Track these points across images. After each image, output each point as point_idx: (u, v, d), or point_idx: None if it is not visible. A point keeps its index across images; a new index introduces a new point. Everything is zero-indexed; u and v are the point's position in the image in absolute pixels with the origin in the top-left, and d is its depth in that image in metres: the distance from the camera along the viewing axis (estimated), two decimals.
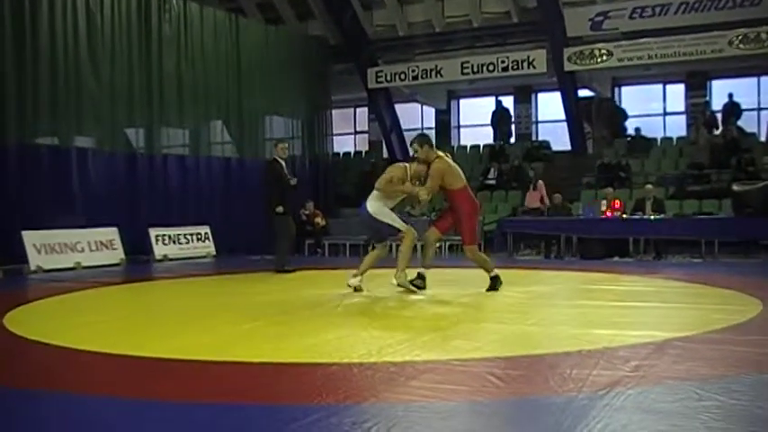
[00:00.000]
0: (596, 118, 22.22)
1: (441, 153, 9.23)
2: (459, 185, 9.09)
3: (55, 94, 14.61)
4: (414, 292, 9.10)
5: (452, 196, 9.20)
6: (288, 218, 12.50)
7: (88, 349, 5.84)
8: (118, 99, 15.85)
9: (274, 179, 12.31)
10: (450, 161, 9.24)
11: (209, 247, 16.97)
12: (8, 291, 10.98)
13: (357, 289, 9.22)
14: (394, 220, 9.33)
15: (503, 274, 9.34)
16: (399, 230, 9.31)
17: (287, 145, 12.94)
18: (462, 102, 25.01)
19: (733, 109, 20.01)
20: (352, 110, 25.95)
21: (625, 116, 21.41)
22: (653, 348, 5.51)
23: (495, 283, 9.11)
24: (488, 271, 9.18)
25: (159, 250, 15.97)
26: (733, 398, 4.20)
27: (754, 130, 20.29)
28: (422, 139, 9.25)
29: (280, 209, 12.21)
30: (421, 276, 9.39)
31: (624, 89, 22.55)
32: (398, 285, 9.16)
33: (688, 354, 5.37)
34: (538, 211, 17.21)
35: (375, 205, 9.27)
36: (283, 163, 12.42)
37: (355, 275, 9.32)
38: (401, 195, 9.32)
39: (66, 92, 14.79)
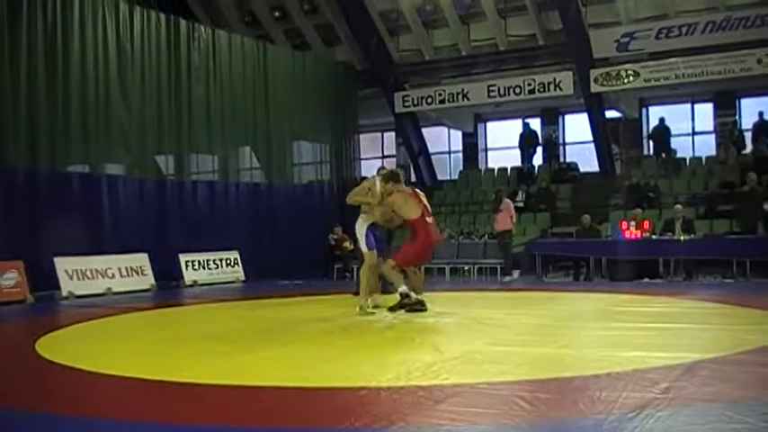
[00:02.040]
0: (624, 138, 22.15)
1: (403, 188, 9.78)
2: (415, 216, 9.50)
3: (86, 122, 14.85)
4: (372, 314, 9.43)
5: (409, 225, 9.65)
6: None
7: (119, 374, 5.89)
8: (147, 126, 16.08)
9: None
10: (410, 194, 9.72)
11: (238, 272, 17.06)
12: (40, 316, 11.12)
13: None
14: (361, 238, 9.95)
15: (532, 296, 9.29)
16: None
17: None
18: (489, 124, 24.98)
19: (763, 127, 19.80)
20: (380, 134, 25.99)
21: (669, 135, 21.23)
22: (683, 370, 5.46)
23: (400, 303, 9.30)
24: (396, 290, 9.45)
25: (189, 276, 16.09)
26: (765, 420, 4.14)
27: None
28: (387, 175, 9.90)
29: None
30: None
31: (652, 109, 22.42)
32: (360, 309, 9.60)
33: (718, 375, 5.32)
34: (509, 233, 16.46)
35: (357, 223, 10.02)
36: None
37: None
38: (373, 212, 9.79)
39: (96, 120, 15.04)
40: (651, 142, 21.80)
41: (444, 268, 16.77)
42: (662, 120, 21.18)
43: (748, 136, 20.24)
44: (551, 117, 23.48)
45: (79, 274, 14.03)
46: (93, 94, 14.96)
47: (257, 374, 5.83)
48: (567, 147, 23.51)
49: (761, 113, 19.94)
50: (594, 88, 20.07)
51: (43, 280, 13.45)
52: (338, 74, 21.99)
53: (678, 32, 19.30)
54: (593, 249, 15.86)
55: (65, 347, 7.67)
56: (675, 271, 15.32)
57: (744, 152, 20.01)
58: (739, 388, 4.93)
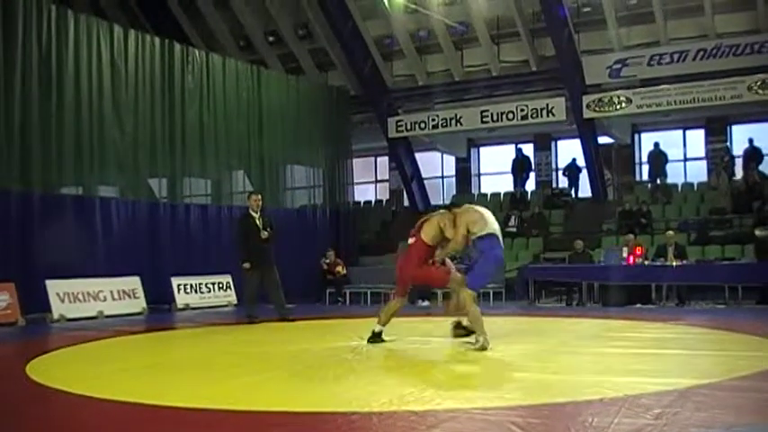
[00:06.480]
0: (616, 164, 22.28)
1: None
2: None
3: (79, 144, 14.85)
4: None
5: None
6: (254, 270, 12.50)
7: (109, 398, 5.85)
8: (141, 149, 16.08)
9: (243, 233, 12.53)
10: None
11: (230, 296, 17.01)
12: (31, 339, 11.07)
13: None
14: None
15: (525, 321, 9.28)
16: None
17: (259, 197, 13.00)
18: (482, 149, 25.10)
19: (754, 154, 19.94)
20: (373, 159, 26.09)
21: (666, 160, 21.32)
22: (676, 396, 5.46)
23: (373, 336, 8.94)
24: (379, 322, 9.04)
25: (181, 299, 16.03)
26: None
27: None
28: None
29: (246, 265, 12.43)
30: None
31: (644, 135, 22.55)
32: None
33: (712, 401, 5.31)
34: None
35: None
36: (256, 215, 12.59)
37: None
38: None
39: (90, 142, 15.03)
40: (646, 167, 21.91)
41: (437, 292, 16.74)
42: (657, 144, 21.28)
43: (739, 162, 20.37)
44: (544, 143, 23.61)
45: (71, 296, 13.97)
46: (86, 117, 14.96)
47: (247, 399, 5.80)
48: (559, 172, 23.59)
49: (751, 140, 20.09)
50: (587, 114, 20.20)
51: (35, 302, 13.37)
52: (332, 98, 22.06)
53: (670, 59, 19.49)
54: (586, 275, 15.87)
55: (55, 370, 7.62)
56: (668, 296, 15.35)
57: (735, 178, 20.12)
58: (733, 414, 4.93)
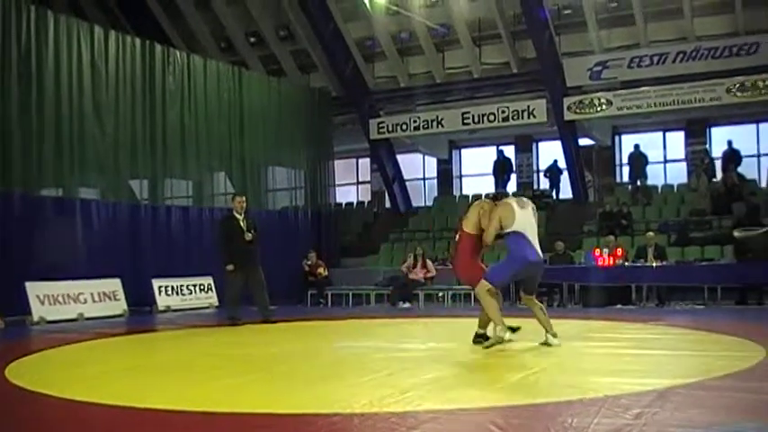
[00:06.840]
0: (597, 165, 22.40)
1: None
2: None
3: (59, 145, 14.77)
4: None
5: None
6: (238, 272, 12.47)
7: (90, 401, 5.82)
8: (122, 150, 16.01)
9: (226, 235, 12.46)
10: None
11: (211, 298, 16.95)
12: (10, 342, 10.96)
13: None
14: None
15: (506, 322, 9.27)
16: None
17: (244, 199, 12.96)
18: (464, 151, 25.17)
19: (732, 156, 20.10)
20: (355, 160, 26.10)
21: (646, 161, 21.43)
22: (655, 396, 5.48)
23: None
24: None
25: (162, 301, 15.96)
26: None
27: (755, 176, 20.35)
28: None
29: (230, 267, 12.35)
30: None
31: (624, 137, 22.68)
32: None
33: (691, 401, 5.34)
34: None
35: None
36: (240, 217, 12.54)
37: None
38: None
39: (70, 143, 14.95)
40: (627, 169, 22.04)
41: (418, 294, 16.78)
42: (637, 146, 21.40)
43: (719, 164, 20.51)
44: (525, 144, 23.69)
45: (51, 299, 13.87)
46: (67, 118, 14.87)
47: (229, 401, 5.78)
48: (540, 173, 23.69)
49: (729, 142, 20.25)
50: (568, 116, 20.31)
51: (14, 305, 13.26)
52: (313, 100, 22.03)
53: (650, 62, 19.65)
54: (567, 276, 15.94)
55: (35, 373, 7.57)
56: (648, 297, 15.44)
57: (714, 180, 20.27)
58: (711, 414, 4.96)
